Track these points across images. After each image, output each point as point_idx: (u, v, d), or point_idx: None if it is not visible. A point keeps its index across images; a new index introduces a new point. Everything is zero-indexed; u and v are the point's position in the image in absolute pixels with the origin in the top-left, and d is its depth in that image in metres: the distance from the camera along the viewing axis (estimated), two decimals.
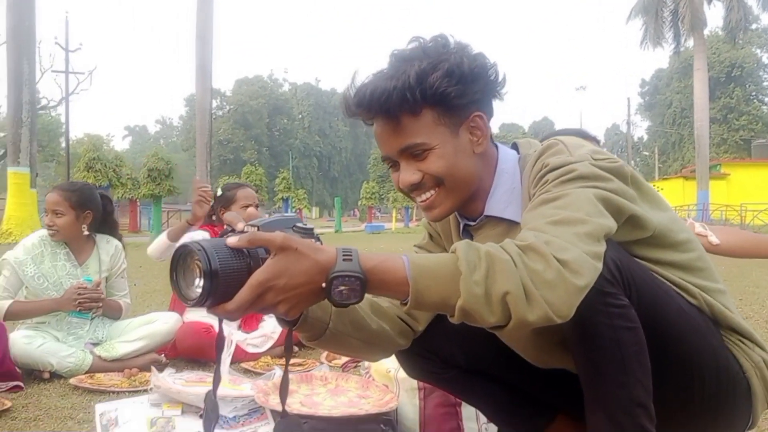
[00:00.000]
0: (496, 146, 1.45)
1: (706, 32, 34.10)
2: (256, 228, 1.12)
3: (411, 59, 1.32)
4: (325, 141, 78.07)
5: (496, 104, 1.41)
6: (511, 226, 1.40)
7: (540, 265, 1.05)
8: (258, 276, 1.04)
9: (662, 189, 29.93)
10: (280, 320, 1.29)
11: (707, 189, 29.54)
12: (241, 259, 1.07)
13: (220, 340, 1.27)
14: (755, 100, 57.80)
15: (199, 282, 1.07)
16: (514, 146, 1.49)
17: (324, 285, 1.06)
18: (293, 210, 32.73)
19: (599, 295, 1.17)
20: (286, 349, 1.30)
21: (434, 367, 1.62)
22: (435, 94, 1.29)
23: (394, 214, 36.64)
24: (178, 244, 1.15)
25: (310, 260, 1.05)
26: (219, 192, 3.73)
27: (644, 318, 1.24)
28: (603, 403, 1.24)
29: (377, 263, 1.07)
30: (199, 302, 1.06)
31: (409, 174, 1.36)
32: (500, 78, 1.37)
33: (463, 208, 1.44)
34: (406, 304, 1.09)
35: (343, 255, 1.06)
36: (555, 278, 1.04)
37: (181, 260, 1.11)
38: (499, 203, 1.41)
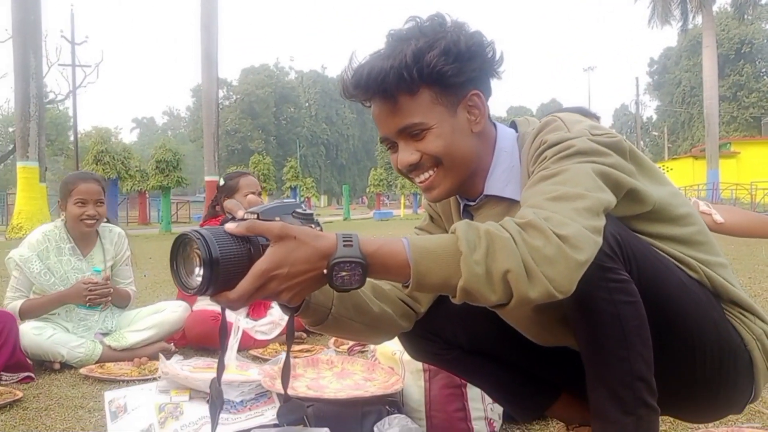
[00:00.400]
0: (495, 125, 1.44)
1: (714, 9, 33.73)
2: (255, 216, 1.11)
3: (407, 38, 1.31)
4: (333, 128, 78.04)
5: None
6: (511, 204, 1.39)
7: (540, 242, 1.04)
8: (260, 266, 1.04)
9: (672, 169, 29.78)
10: (283, 307, 1.29)
11: (717, 168, 29.34)
12: (241, 245, 1.06)
13: (222, 328, 1.27)
14: (765, 77, 57.21)
15: (199, 271, 1.05)
16: (513, 125, 1.48)
17: (325, 271, 1.06)
18: (302, 199, 32.74)
19: (599, 270, 1.16)
20: (287, 335, 1.31)
21: (437, 349, 1.62)
22: (432, 73, 1.28)
23: (402, 201, 36.62)
24: None
25: (311, 248, 1.05)
26: (221, 182, 3.75)
27: (645, 292, 1.23)
28: (604, 378, 1.24)
29: (378, 247, 1.07)
30: (200, 291, 1.05)
31: (407, 154, 1.35)
32: (497, 56, 1.35)
33: (463, 188, 1.43)
34: (407, 286, 1.09)
35: (344, 241, 1.06)
36: (555, 254, 1.04)
37: (180, 249, 1.09)
38: (499, 182, 1.40)
